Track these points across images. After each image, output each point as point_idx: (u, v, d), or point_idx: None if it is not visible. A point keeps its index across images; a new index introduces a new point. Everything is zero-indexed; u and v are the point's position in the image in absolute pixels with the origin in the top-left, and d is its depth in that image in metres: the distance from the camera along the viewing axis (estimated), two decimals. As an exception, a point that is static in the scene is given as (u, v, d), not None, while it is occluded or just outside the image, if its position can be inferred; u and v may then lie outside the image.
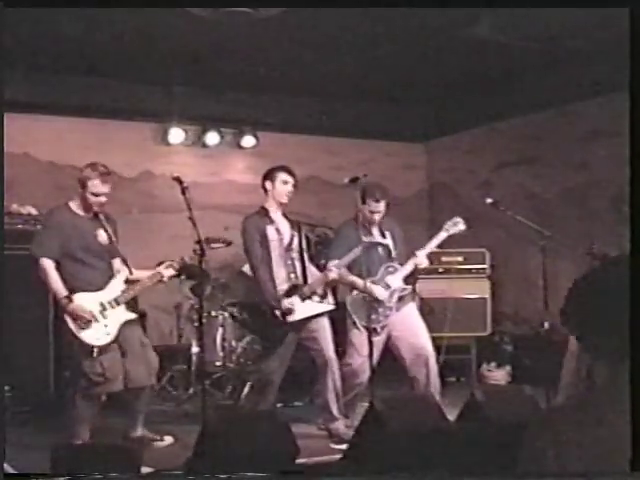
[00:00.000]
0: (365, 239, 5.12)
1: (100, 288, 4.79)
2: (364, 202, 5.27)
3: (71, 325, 4.65)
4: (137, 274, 4.97)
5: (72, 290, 4.70)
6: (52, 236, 4.77)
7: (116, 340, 4.75)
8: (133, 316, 4.89)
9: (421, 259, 5.33)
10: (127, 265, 4.92)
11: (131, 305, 5.04)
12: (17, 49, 5.27)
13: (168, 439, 5.03)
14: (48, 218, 4.92)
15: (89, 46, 6.08)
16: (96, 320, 4.67)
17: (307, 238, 6.22)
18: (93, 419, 4.77)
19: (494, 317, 7.58)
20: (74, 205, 4.88)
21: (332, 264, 5.12)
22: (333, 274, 5.09)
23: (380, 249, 5.39)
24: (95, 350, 4.65)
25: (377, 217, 5.33)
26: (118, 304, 4.79)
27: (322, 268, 5.27)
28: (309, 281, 5.19)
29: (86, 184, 4.75)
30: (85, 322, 4.63)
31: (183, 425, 5.30)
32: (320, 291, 5.17)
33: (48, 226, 4.86)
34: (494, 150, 8.24)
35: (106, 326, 4.71)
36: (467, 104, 7.94)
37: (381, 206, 5.30)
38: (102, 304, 4.73)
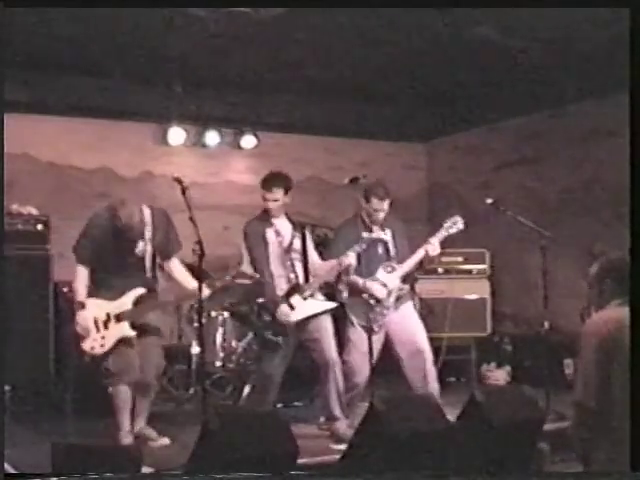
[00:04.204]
0: (365, 235, 5.13)
1: (114, 298, 4.82)
2: (368, 201, 5.26)
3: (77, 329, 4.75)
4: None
5: (90, 294, 4.81)
6: (90, 244, 4.83)
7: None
8: (132, 334, 4.82)
9: (434, 247, 5.24)
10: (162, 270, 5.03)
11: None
12: (17, 49, 5.27)
13: (164, 440, 4.98)
14: (92, 221, 4.91)
15: (89, 46, 6.08)
16: (97, 330, 4.75)
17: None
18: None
19: (494, 317, 7.59)
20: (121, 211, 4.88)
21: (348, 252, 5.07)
22: (349, 259, 5.04)
23: (379, 248, 5.38)
24: (87, 357, 4.78)
25: (381, 215, 5.32)
26: (121, 320, 4.79)
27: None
28: (311, 280, 5.18)
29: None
30: (83, 332, 4.74)
31: (183, 425, 5.30)
32: (332, 278, 5.14)
33: (88, 231, 4.88)
34: (494, 150, 8.24)
35: (103, 338, 4.76)
36: (467, 104, 7.93)
37: (385, 204, 5.30)
38: (108, 315, 4.78)
